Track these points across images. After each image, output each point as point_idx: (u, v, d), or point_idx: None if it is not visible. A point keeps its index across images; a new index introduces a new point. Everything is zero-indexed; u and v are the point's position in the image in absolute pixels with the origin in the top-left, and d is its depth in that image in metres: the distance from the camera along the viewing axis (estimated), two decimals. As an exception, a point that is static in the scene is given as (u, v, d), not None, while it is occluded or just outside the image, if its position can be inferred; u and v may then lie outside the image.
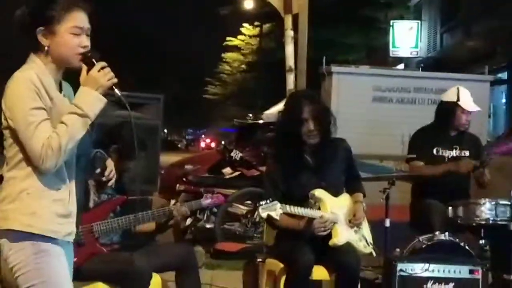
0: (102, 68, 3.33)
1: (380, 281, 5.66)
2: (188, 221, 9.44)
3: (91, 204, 5.03)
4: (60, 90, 3.44)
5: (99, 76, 3.31)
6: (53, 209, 3.33)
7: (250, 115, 35.11)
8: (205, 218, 9.55)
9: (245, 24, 39.83)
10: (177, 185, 10.08)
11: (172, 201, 9.58)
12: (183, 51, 63.06)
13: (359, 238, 5.21)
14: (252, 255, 6.13)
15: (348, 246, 5.09)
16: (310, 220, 5.04)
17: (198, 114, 63.52)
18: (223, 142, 11.87)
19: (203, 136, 58.61)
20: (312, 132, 5.12)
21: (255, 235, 9.14)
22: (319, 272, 5.03)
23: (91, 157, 3.66)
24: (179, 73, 61.30)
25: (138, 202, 5.46)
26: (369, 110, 7.88)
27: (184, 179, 10.22)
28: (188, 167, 11.48)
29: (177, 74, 60.96)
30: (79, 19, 3.37)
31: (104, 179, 3.74)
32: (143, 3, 65.95)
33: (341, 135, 5.42)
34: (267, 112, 22.31)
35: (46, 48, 3.33)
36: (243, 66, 43.65)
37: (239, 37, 41.09)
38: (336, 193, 5.26)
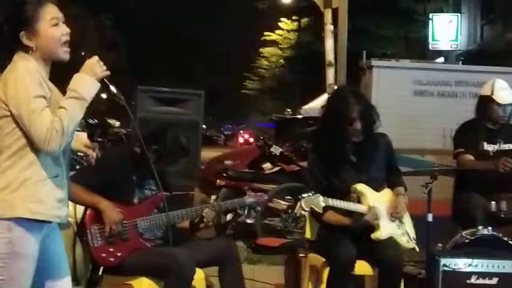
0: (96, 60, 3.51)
1: (423, 276, 5.62)
2: (229, 216, 9.48)
3: (135, 199, 5.07)
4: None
5: (95, 65, 3.50)
6: (55, 195, 3.46)
7: (289, 110, 35.11)
8: (245, 213, 9.56)
9: (283, 19, 39.73)
10: (217, 181, 10.11)
11: (213, 197, 9.65)
12: (221, 46, 63.20)
13: (402, 233, 5.19)
14: (294, 250, 6.15)
15: (391, 241, 5.08)
16: (355, 214, 5.03)
17: (236, 109, 63.63)
18: (262, 137, 11.84)
19: (241, 131, 58.56)
20: (358, 131, 5.11)
21: (295, 230, 9.14)
22: (362, 267, 5.03)
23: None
24: (218, 68, 61.45)
25: (181, 197, 5.48)
26: (410, 104, 7.83)
27: (224, 174, 10.25)
28: (228, 162, 11.50)
29: (215, 70, 61.12)
30: (53, 10, 3.51)
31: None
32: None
33: (382, 129, 5.39)
34: (306, 106, 22.26)
35: (33, 48, 3.45)
36: (281, 60, 43.56)
37: (277, 31, 41.00)
38: (377, 188, 5.25)
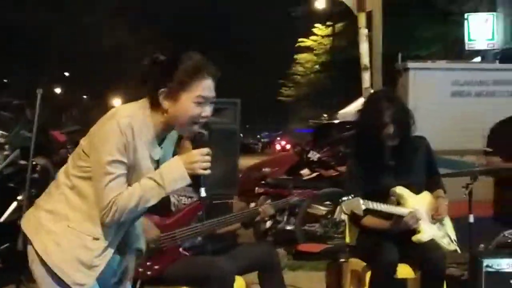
0: (204, 154, 3.22)
1: (466, 277, 5.57)
2: (268, 223, 9.47)
3: (172, 208, 5.07)
4: (160, 144, 3.33)
5: (199, 159, 3.20)
6: (77, 254, 3.21)
7: (325, 115, 35.04)
8: (285, 220, 9.55)
9: (317, 24, 39.71)
10: (256, 188, 10.10)
11: (252, 204, 9.63)
12: (255, 53, 63.29)
13: (443, 235, 5.15)
14: (335, 255, 6.12)
15: (433, 243, 5.03)
16: (395, 217, 5.00)
17: (273, 116, 63.66)
18: (299, 144, 11.84)
19: (278, 138, 58.59)
20: (392, 135, 5.07)
21: (335, 235, 9.10)
22: (404, 270, 4.99)
23: None
24: (253, 76, 61.56)
25: (219, 205, 5.49)
26: (448, 105, 7.77)
27: (262, 181, 10.24)
28: (266, 169, 11.50)
29: (251, 77, 61.23)
30: (207, 88, 3.24)
31: None
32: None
33: (420, 131, 5.35)
34: (342, 111, 22.17)
35: (165, 110, 3.22)
36: (316, 66, 43.49)
37: (311, 37, 40.96)
38: (416, 191, 5.21)
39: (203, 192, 3.28)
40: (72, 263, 3.18)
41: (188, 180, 3.20)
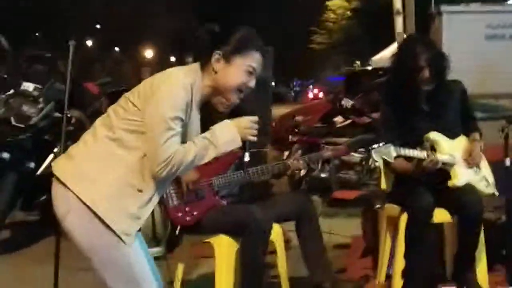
0: (254, 122, 3.38)
1: (503, 221, 5.55)
2: (303, 171, 9.46)
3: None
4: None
5: (250, 126, 3.36)
6: (128, 208, 3.25)
7: (358, 62, 34.82)
8: (319, 168, 9.56)
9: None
10: (289, 137, 10.10)
11: (286, 153, 9.66)
12: (287, 0, 62.75)
13: (480, 179, 5.11)
14: (370, 202, 6.13)
15: (469, 187, 5.00)
16: (416, 161, 4.96)
17: (304, 64, 63.33)
18: (332, 91, 11.79)
19: (310, 86, 58.40)
20: (428, 80, 5.02)
21: (370, 182, 9.10)
22: (440, 215, 4.97)
23: None
24: (284, 24, 61.12)
25: (254, 154, 5.49)
26: (482, 48, 7.70)
27: (296, 130, 10.24)
28: (299, 118, 11.48)
29: (282, 26, 60.80)
30: (258, 61, 3.39)
31: None
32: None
33: (454, 75, 5.29)
34: (375, 57, 21.99)
35: (214, 72, 3.33)
36: (348, 12, 43.16)
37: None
38: (452, 136, 5.17)
39: (247, 157, 3.47)
40: (119, 213, 3.22)
41: (239, 144, 3.34)
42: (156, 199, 3.33)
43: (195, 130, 3.35)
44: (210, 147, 3.27)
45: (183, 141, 3.26)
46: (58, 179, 3.29)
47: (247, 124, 3.35)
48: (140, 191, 3.25)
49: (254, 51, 3.37)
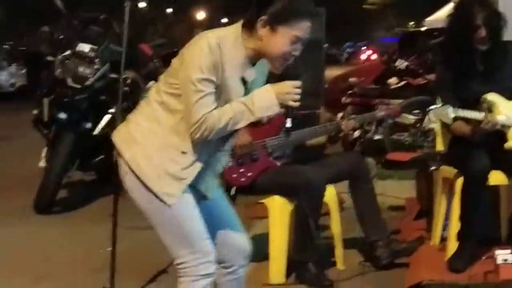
0: (296, 87, 3.27)
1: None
2: (357, 133, 9.44)
3: (264, 118, 5.09)
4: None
5: (291, 91, 3.25)
6: (166, 166, 3.26)
7: (412, 22, 34.37)
8: (373, 129, 9.52)
9: None
10: (343, 98, 10.07)
11: (339, 115, 9.63)
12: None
13: (538, 141, 5.04)
14: (425, 164, 6.09)
15: (525, 149, 4.94)
16: (474, 122, 4.90)
17: (357, 25, 62.72)
18: (386, 52, 11.68)
19: (363, 48, 57.81)
20: (484, 39, 4.94)
21: (425, 144, 9.01)
22: (496, 177, 4.92)
23: None
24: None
25: (307, 116, 5.48)
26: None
27: (349, 91, 10.19)
28: (353, 79, 11.45)
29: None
30: (305, 30, 3.27)
31: None
32: None
33: (510, 37, 5.21)
34: (430, 18, 21.65)
35: (259, 38, 3.24)
36: (402, -28, 42.54)
37: None
38: (509, 97, 5.09)
39: (289, 123, 3.40)
40: (160, 175, 3.26)
41: (277, 109, 3.26)
42: (201, 162, 3.32)
43: (236, 92, 3.28)
44: (246, 112, 3.22)
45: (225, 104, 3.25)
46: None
47: (288, 89, 3.25)
48: (184, 152, 3.27)
49: (301, 20, 3.24)
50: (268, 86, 3.28)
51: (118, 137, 3.40)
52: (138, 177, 3.28)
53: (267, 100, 3.23)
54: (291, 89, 3.25)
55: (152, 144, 3.28)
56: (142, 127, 3.32)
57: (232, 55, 3.23)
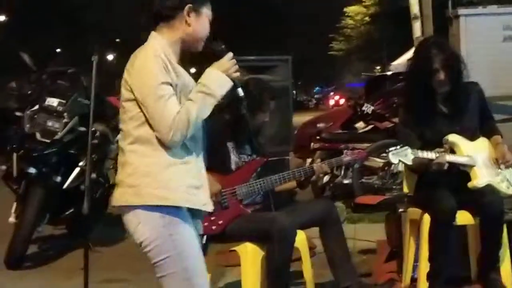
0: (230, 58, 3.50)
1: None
2: (326, 178, 9.49)
3: (233, 166, 5.15)
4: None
5: (230, 63, 3.48)
6: (185, 181, 3.37)
7: (378, 67, 34.76)
8: (342, 173, 9.58)
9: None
10: (312, 144, 10.12)
11: (308, 160, 9.69)
12: (304, 9, 62.73)
13: (501, 180, 5.11)
14: (393, 206, 6.14)
15: (489, 188, 5.02)
16: (427, 161, 4.95)
17: (324, 72, 63.25)
18: (353, 97, 11.82)
19: (331, 93, 58.25)
20: (443, 82, 5.05)
21: (393, 187, 9.10)
22: (463, 217, 5.00)
23: None
24: (302, 32, 61.06)
25: (276, 162, 5.55)
26: (500, 50, 7.69)
27: (317, 137, 10.26)
28: (321, 125, 11.53)
29: (300, 34, 60.76)
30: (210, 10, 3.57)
31: None
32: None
33: (473, 78, 5.32)
34: (395, 62, 21.95)
35: (188, 24, 3.46)
36: (366, 18, 43.09)
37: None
38: (471, 137, 5.19)
39: (240, 92, 3.64)
40: (187, 191, 3.37)
41: (231, 83, 3.46)
42: (201, 161, 3.49)
43: (192, 87, 3.44)
44: (207, 97, 3.37)
45: None
46: (122, 207, 3.40)
47: (227, 64, 3.47)
48: (186, 163, 3.38)
49: (208, 2, 3.55)
50: (210, 69, 3.47)
51: (120, 197, 3.41)
52: (159, 213, 3.31)
53: (217, 79, 3.42)
54: (229, 63, 3.48)
55: (158, 172, 3.33)
56: (139, 169, 3.35)
57: (170, 53, 3.41)
